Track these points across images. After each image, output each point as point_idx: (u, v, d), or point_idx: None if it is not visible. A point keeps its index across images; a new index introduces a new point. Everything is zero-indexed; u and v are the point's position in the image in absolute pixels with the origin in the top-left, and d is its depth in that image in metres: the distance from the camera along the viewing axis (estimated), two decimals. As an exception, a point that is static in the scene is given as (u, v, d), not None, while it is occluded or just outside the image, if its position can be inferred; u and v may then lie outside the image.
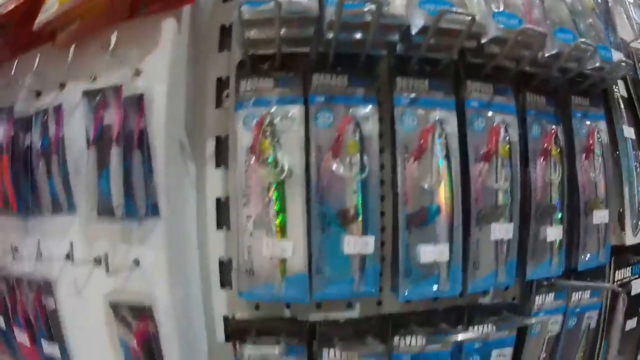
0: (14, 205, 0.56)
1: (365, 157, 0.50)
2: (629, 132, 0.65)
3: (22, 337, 0.61)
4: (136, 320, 0.50)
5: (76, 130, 0.53)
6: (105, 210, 0.49)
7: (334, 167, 0.49)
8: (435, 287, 0.52)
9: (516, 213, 0.54)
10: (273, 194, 0.50)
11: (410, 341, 0.53)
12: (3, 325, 0.65)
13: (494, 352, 0.58)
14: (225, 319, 0.56)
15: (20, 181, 0.55)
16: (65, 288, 0.57)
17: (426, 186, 0.51)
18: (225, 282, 0.56)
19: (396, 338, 0.53)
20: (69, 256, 0.55)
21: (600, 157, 0.61)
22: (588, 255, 0.61)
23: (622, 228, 0.66)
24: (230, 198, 0.53)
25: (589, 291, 0.64)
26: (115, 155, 0.46)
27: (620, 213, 0.66)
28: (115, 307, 0.51)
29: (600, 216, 0.61)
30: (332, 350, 0.51)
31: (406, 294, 0.51)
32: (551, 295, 0.61)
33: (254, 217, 0.50)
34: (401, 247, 0.51)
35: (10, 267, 0.61)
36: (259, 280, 0.51)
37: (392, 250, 0.53)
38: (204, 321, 0.56)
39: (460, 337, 0.51)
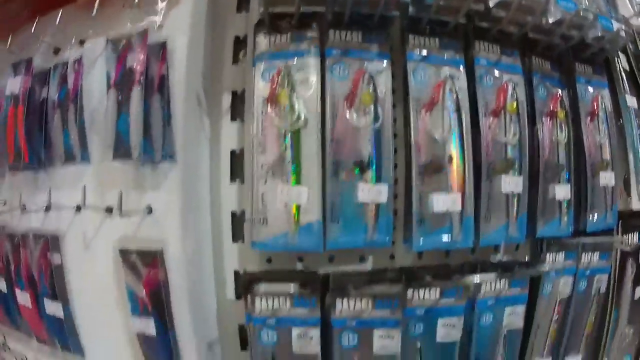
0: (26, 156, 0.56)
1: (379, 108, 0.52)
2: (631, 101, 0.67)
3: (24, 298, 0.60)
4: (145, 267, 0.49)
5: (96, 80, 0.54)
6: (121, 151, 0.49)
7: (348, 115, 0.52)
8: (448, 238, 0.53)
9: (525, 168, 0.56)
10: (289, 142, 0.51)
11: (424, 294, 0.54)
12: (4, 288, 0.64)
13: (507, 310, 0.58)
14: (236, 274, 0.56)
15: (33, 132, 0.55)
16: (73, 241, 0.56)
17: (438, 137, 0.53)
18: (237, 236, 0.56)
19: (409, 291, 0.53)
20: (79, 208, 0.55)
21: (604, 123, 0.63)
22: (596, 216, 0.62)
23: (629, 194, 0.67)
24: (245, 150, 0.54)
25: (598, 253, 0.64)
26: (136, 95, 0.46)
27: (626, 179, 0.67)
28: (124, 254, 0.51)
29: (607, 178, 0.62)
30: (345, 300, 0.51)
31: (420, 243, 0.51)
32: (561, 255, 0.61)
33: (269, 165, 0.51)
34: (414, 197, 0.52)
35: (17, 224, 0.61)
36: (272, 230, 0.51)
37: (405, 201, 0.54)
38: (214, 276, 0.56)
39: (477, 278, 0.50)
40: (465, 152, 0.52)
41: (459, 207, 0.52)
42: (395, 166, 0.54)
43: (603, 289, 0.66)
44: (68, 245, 0.57)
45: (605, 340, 0.70)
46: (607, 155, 0.62)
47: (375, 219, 0.51)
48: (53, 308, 0.57)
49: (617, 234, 0.65)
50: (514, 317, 0.59)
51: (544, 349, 0.64)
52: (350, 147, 0.51)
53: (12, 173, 0.60)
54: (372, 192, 0.51)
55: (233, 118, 0.55)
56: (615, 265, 0.66)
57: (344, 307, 0.51)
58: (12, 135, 0.57)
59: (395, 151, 0.54)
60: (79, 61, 0.53)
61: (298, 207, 0.50)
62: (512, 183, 0.54)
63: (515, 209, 0.55)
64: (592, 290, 0.65)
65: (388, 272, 0.53)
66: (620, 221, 0.66)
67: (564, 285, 0.63)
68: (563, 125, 0.60)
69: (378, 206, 0.51)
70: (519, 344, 0.60)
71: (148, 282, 0.50)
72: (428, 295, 0.53)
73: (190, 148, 0.52)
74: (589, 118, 0.62)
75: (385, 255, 0.55)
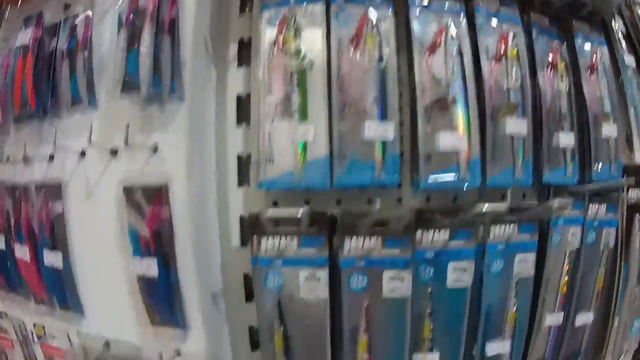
0: (32, 104, 0.55)
1: (383, 49, 0.53)
2: (629, 60, 0.68)
3: (22, 252, 0.58)
4: (149, 205, 0.48)
5: (106, 28, 0.54)
6: (129, 87, 0.48)
7: (352, 55, 0.52)
8: (455, 177, 0.52)
9: (528, 113, 0.56)
10: (295, 82, 0.52)
11: (433, 236, 0.53)
12: (3, 246, 0.61)
13: (517, 257, 0.57)
14: (242, 219, 0.56)
15: (41, 81, 0.55)
16: (76, 188, 0.55)
17: (441, 79, 0.54)
18: (243, 180, 0.56)
19: (419, 232, 0.52)
20: (83, 153, 0.54)
21: (604, 77, 0.64)
22: (600, 166, 0.62)
23: (631, 150, 0.67)
24: (251, 92, 0.54)
25: (605, 205, 0.64)
26: (147, 32, 0.47)
27: (628, 136, 0.68)
28: (128, 192, 0.50)
29: (609, 130, 0.62)
30: (354, 238, 0.50)
31: (427, 180, 0.51)
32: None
33: (275, 105, 0.52)
34: (420, 134, 0.52)
35: (20, 178, 0.60)
36: (278, 168, 0.51)
37: (411, 142, 0.53)
38: (219, 222, 0.54)
39: (486, 207, 0.48)
40: (469, 95, 0.53)
41: (464, 147, 0.52)
42: (400, 110, 0.55)
43: (612, 244, 0.66)
44: (70, 192, 0.56)
45: (616, 299, 0.69)
46: (608, 108, 0.63)
47: (382, 157, 0.51)
48: (52, 259, 0.56)
49: (622, 189, 0.65)
50: (524, 264, 0.58)
51: (555, 304, 0.63)
52: (356, 87, 0.52)
53: (17, 127, 0.60)
54: (378, 130, 0.51)
55: (240, 64, 0.56)
56: (623, 220, 0.66)
57: (352, 245, 0.50)
58: (19, 85, 0.56)
59: (400, 95, 0.55)
60: (89, 15, 0.53)
61: (304, 145, 0.51)
62: (516, 126, 0.55)
63: (520, 152, 0.55)
64: (600, 244, 0.64)
65: (397, 211, 0.52)
66: (624, 175, 0.66)
67: (573, 237, 0.62)
68: (563, 76, 0.61)
69: (384, 144, 0.52)
70: (531, 294, 0.59)
71: (152, 220, 0.49)
72: (437, 237, 0.52)
73: (197, 89, 0.52)
74: (588, 71, 0.63)
75: (393, 199, 0.54)
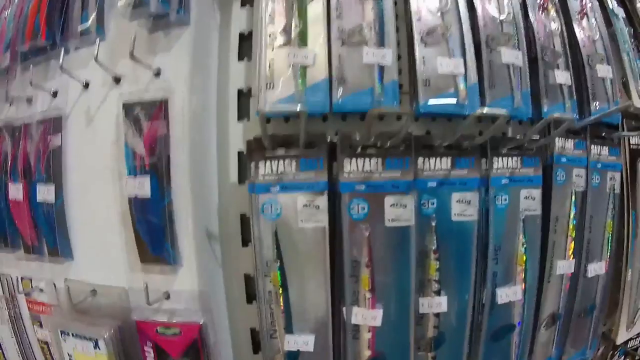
0: (43, 35, 0.53)
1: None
2: (619, 10, 0.68)
3: (16, 190, 0.54)
4: (148, 121, 0.45)
5: None
6: (139, 5, 0.46)
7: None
8: (454, 101, 0.49)
9: (522, 46, 0.53)
10: (296, 11, 0.50)
11: (435, 164, 0.49)
12: None
13: (522, 192, 0.52)
14: (240, 154, 0.52)
15: (54, 15, 0.52)
16: (77, 119, 0.52)
17: (436, 9, 0.51)
18: (242, 114, 0.53)
19: (420, 160, 0.49)
20: (87, 84, 0.52)
21: (595, 22, 0.63)
22: (598, 105, 0.59)
23: (629, 96, 0.65)
24: (253, 25, 0.52)
25: (607, 148, 0.60)
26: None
27: (625, 82, 0.65)
28: (128, 107, 0.47)
29: (604, 70, 0.60)
30: (354, 160, 0.46)
31: (427, 103, 0.48)
32: (570, 143, 0.57)
33: (277, 33, 0.50)
34: (418, 60, 0.49)
35: (22, 116, 0.56)
36: (279, 93, 0.47)
37: (409, 69, 0.50)
38: (217, 158, 0.51)
39: (486, 110, 0.43)
40: (463, 24, 0.51)
41: (462, 70, 0.49)
42: (398, 44, 0.53)
43: (617, 189, 0.62)
44: (71, 124, 0.53)
45: (627, 250, 0.63)
46: (601, 50, 0.62)
47: (380, 80, 0.48)
48: (44, 193, 0.51)
49: (622, 130, 0.62)
50: (530, 201, 0.53)
51: (566, 249, 0.58)
52: (355, 14, 0.49)
53: (24, 66, 0.56)
54: (376, 55, 0.49)
55: (243, 4, 0.54)
56: (627, 164, 0.63)
57: (352, 167, 0.46)
58: (32, 20, 0.54)
59: (397, 30, 0.53)
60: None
61: (304, 69, 0.48)
62: (512, 55, 0.52)
63: (518, 81, 0.52)
64: (606, 187, 0.60)
65: (399, 137, 0.46)
66: (623, 120, 0.64)
67: (578, 178, 0.58)
68: (555, 19, 0.60)
69: (383, 69, 0.49)
70: (539, 235, 0.54)
71: (149, 135, 0.45)
72: (439, 165, 0.49)
73: (202, 17, 0.50)
74: (579, 16, 0.62)
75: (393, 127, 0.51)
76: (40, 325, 0.59)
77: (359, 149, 0.46)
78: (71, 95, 0.53)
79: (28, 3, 0.55)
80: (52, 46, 0.54)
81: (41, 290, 0.57)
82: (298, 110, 0.40)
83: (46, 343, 0.60)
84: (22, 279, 0.59)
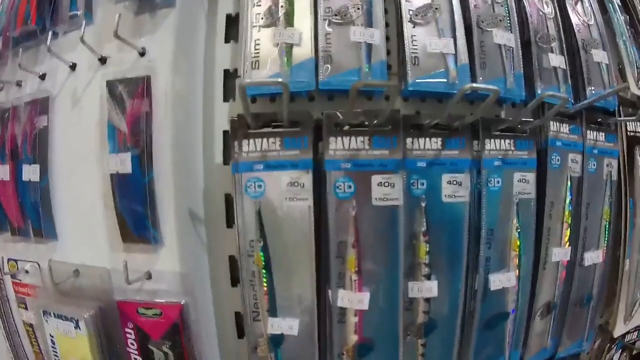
0: (34, 19, 0.52)
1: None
2: None
3: (3, 172, 0.53)
4: (130, 99, 0.44)
5: None
6: None
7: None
8: (444, 80, 0.47)
9: (515, 26, 0.51)
10: (282, -9, 0.50)
11: (425, 143, 0.47)
12: None
13: (516, 175, 0.50)
14: (225, 133, 0.51)
15: (44, 0, 0.53)
16: (64, 100, 0.51)
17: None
18: (228, 95, 0.51)
19: (409, 140, 0.47)
20: (73, 66, 0.51)
21: (590, 7, 0.61)
22: (594, 90, 0.57)
23: (625, 81, 0.62)
24: (240, 6, 0.51)
25: (604, 134, 0.58)
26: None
27: (621, 69, 0.64)
28: (111, 85, 0.46)
29: (600, 55, 0.58)
30: (340, 137, 0.44)
31: (416, 81, 0.46)
32: (565, 127, 0.55)
33: (263, 13, 0.49)
34: (407, 39, 0.48)
35: (12, 99, 0.56)
36: (264, 72, 0.46)
37: (398, 52, 0.49)
38: (203, 138, 0.50)
39: (477, 85, 0.42)
40: (454, 4, 0.49)
41: (452, 50, 0.48)
42: (387, 25, 0.52)
43: (615, 176, 0.59)
44: (57, 105, 0.52)
45: (624, 239, 0.61)
46: (596, 35, 0.60)
47: (368, 59, 0.47)
48: (29, 174, 0.50)
49: (619, 116, 0.60)
50: (524, 184, 0.51)
51: (561, 236, 0.56)
52: (342, -4, 0.50)
53: (15, 51, 0.56)
54: (364, 34, 0.47)
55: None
56: (624, 150, 0.60)
57: (338, 145, 0.44)
58: (24, 7, 0.54)
59: (386, 11, 0.51)
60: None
61: (290, 48, 0.47)
62: (503, 36, 0.51)
63: (510, 63, 0.50)
64: (603, 173, 0.58)
65: (387, 112, 0.44)
66: (620, 106, 0.61)
67: (574, 163, 0.56)
68: (548, 3, 0.58)
69: (370, 49, 0.48)
70: (533, 218, 0.51)
71: (131, 113, 0.44)
72: (429, 145, 0.47)
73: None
74: (573, 1, 0.60)
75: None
76: (26, 308, 0.58)
77: (346, 127, 0.45)
78: (59, 78, 0.53)
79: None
80: (42, 30, 0.54)
81: (26, 271, 0.56)
82: (279, 81, 0.38)
83: (31, 325, 0.58)
84: (8, 260, 0.59)
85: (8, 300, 0.61)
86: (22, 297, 0.58)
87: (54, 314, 0.52)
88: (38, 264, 0.55)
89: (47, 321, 0.53)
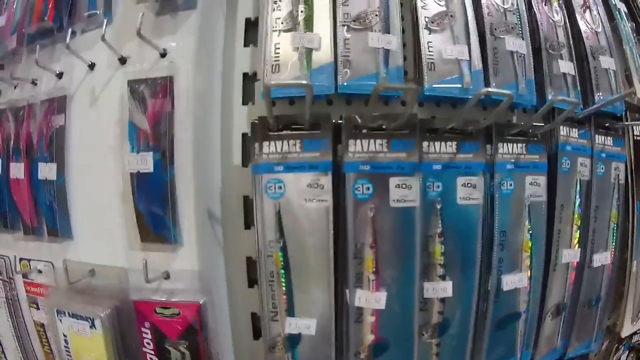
0: (51, 17, 0.53)
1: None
2: (620, 4, 0.68)
3: (17, 169, 0.53)
4: (152, 98, 0.44)
5: None
6: None
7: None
8: (459, 85, 0.48)
9: (526, 34, 0.53)
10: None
11: (440, 147, 0.48)
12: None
13: (528, 178, 0.52)
14: (244, 136, 0.51)
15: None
16: (82, 99, 0.52)
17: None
18: (247, 98, 0.52)
19: (425, 144, 0.48)
20: (92, 65, 0.51)
21: (597, 15, 0.63)
22: (602, 95, 0.58)
23: (632, 86, 0.65)
24: (260, 11, 0.51)
25: (612, 138, 0.60)
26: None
27: (628, 75, 0.65)
28: (133, 85, 0.46)
29: (608, 62, 0.60)
30: (359, 140, 0.45)
31: (432, 86, 0.47)
32: (575, 131, 0.56)
33: (282, 18, 0.50)
34: (423, 46, 0.49)
35: (27, 97, 0.56)
36: (283, 76, 0.47)
37: (414, 58, 0.51)
38: (221, 140, 0.50)
39: (490, 90, 0.41)
40: (467, 11, 0.51)
41: (466, 57, 0.49)
42: (403, 32, 0.53)
43: (622, 179, 0.61)
44: (75, 104, 0.52)
45: (632, 241, 0.62)
46: (604, 42, 0.62)
47: (385, 63, 0.48)
48: (45, 172, 0.50)
49: (626, 120, 0.62)
50: (536, 187, 0.53)
51: (571, 238, 0.57)
52: (360, 1, 0.49)
53: (30, 48, 0.56)
54: (382, 40, 0.49)
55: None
56: (631, 155, 0.62)
57: (357, 148, 0.45)
58: (40, 3, 0.54)
59: (402, 18, 0.53)
60: None
61: (310, 52, 0.48)
62: (515, 44, 0.52)
63: (522, 69, 0.52)
64: (611, 177, 0.59)
65: (406, 115, 0.45)
66: (627, 111, 0.63)
67: (583, 167, 0.57)
68: (558, 11, 0.60)
69: (388, 55, 0.49)
70: (544, 220, 0.53)
71: (153, 112, 0.45)
72: (445, 148, 0.48)
73: (209, 1, 0.50)
74: (582, 9, 0.62)
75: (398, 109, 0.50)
76: (37, 308, 0.58)
77: (364, 130, 0.46)
78: (76, 76, 0.53)
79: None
80: (59, 29, 0.54)
81: (39, 271, 0.56)
82: (305, 83, 0.39)
83: (42, 325, 0.58)
84: (20, 260, 0.59)
85: (18, 299, 0.60)
86: (33, 296, 0.58)
87: (68, 313, 0.51)
88: (52, 263, 0.55)
89: (60, 320, 0.53)
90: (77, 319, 0.51)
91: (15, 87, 0.59)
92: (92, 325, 0.50)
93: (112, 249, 0.51)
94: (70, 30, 0.52)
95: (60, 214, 0.53)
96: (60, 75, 0.54)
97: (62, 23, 0.53)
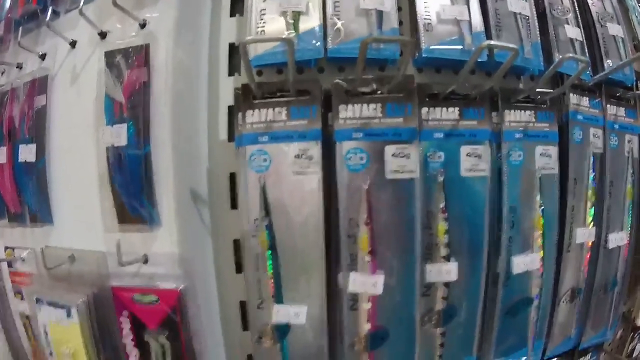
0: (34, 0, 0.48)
1: None
2: None
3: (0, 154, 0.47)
4: (129, 69, 0.37)
5: None
6: None
7: None
8: (460, 47, 0.40)
9: None
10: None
11: (442, 114, 0.39)
12: None
13: (538, 149, 0.42)
14: (230, 109, 0.43)
15: None
16: (63, 78, 0.45)
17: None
18: (233, 69, 0.43)
19: (424, 110, 0.39)
20: (73, 43, 0.44)
21: None
22: (611, 62, 0.50)
23: (641, 59, 0.56)
24: None
25: (624, 109, 0.50)
26: None
27: (636, 45, 0.56)
28: (109, 56, 0.39)
29: (615, 29, 0.51)
30: (351, 105, 0.37)
31: (430, 48, 0.38)
32: (585, 100, 0.47)
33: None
34: (419, 6, 0.40)
35: (12, 81, 0.49)
36: (269, 43, 0.40)
37: (410, 14, 0.42)
38: (207, 114, 0.42)
39: (492, 43, 0.35)
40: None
41: (466, 17, 0.40)
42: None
43: (636, 153, 0.52)
44: (56, 83, 0.45)
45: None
46: (610, 9, 0.53)
47: (379, 25, 0.40)
48: (25, 154, 0.43)
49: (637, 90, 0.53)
50: (546, 159, 0.43)
51: (585, 215, 0.48)
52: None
53: (16, 35, 0.49)
54: (374, 0, 0.39)
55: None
56: None
57: (348, 113, 0.36)
58: None
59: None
60: None
61: (298, 16, 0.39)
62: (519, 5, 0.43)
63: (527, 31, 0.43)
64: (624, 149, 0.49)
65: (400, 73, 0.36)
66: (637, 80, 0.54)
67: (595, 138, 0.48)
68: (560, -23, 0.53)
69: (381, 16, 0.41)
70: (557, 195, 0.43)
71: (128, 83, 0.37)
72: (446, 115, 0.39)
73: None
74: (584, -24, 0.55)
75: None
76: (22, 298, 0.51)
77: (357, 95, 0.37)
78: (59, 56, 0.46)
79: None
80: (43, 11, 0.47)
81: (23, 260, 0.49)
82: (283, 37, 0.32)
83: (27, 317, 0.51)
84: (5, 248, 0.52)
85: (5, 290, 0.53)
86: (18, 286, 0.51)
87: (46, 301, 0.44)
88: (34, 250, 0.47)
89: (39, 309, 0.45)
90: (55, 308, 0.43)
91: (2, 74, 0.53)
92: (69, 314, 0.43)
93: (91, 232, 0.43)
94: (51, 8, 0.46)
95: (40, 198, 0.45)
96: (43, 57, 0.47)
97: (46, 4, 0.47)
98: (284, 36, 0.32)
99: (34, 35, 0.51)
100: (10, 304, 0.52)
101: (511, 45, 0.34)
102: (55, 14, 0.47)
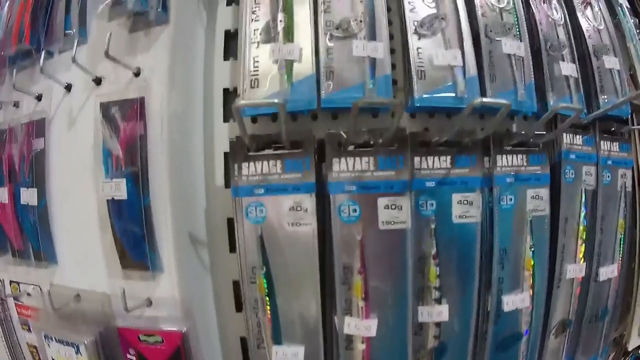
0: (27, 38, 0.48)
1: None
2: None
3: (1, 194, 0.49)
4: (124, 121, 0.39)
5: None
6: (118, 3, 0.42)
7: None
8: (452, 94, 0.41)
9: (524, 35, 0.45)
10: (281, 7, 0.43)
11: (434, 162, 0.42)
12: None
13: (529, 192, 0.44)
14: (226, 155, 0.45)
15: (38, 18, 0.48)
16: (59, 121, 0.47)
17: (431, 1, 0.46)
18: (228, 116, 0.46)
19: (417, 159, 0.41)
20: (68, 86, 0.46)
21: (599, 12, 0.55)
22: (606, 98, 0.51)
23: (637, 87, 0.57)
24: (239, 22, 0.45)
25: (618, 144, 0.52)
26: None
27: (632, 74, 0.57)
28: (105, 108, 0.41)
29: (611, 62, 0.52)
30: (344, 158, 0.39)
31: (422, 96, 0.40)
32: (579, 138, 0.49)
33: (261, 29, 0.43)
34: (412, 52, 0.42)
35: (9, 120, 0.51)
36: (263, 91, 0.41)
37: (404, 65, 0.44)
38: (204, 161, 0.45)
39: (486, 100, 0.35)
40: (460, 12, 0.43)
41: (460, 62, 0.41)
42: (391, 37, 0.47)
43: (629, 186, 0.53)
44: (54, 126, 0.47)
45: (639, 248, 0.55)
46: (607, 40, 0.55)
47: (372, 74, 0.41)
48: (27, 197, 0.46)
49: (632, 123, 0.54)
50: (538, 201, 0.46)
51: (576, 252, 0.50)
52: (342, 7, 0.43)
53: (11, 71, 0.51)
54: (367, 48, 0.42)
55: (229, 3, 0.48)
56: (638, 160, 0.55)
57: (342, 167, 0.39)
58: (18, 25, 0.50)
59: (389, 9, 0.45)
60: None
61: (291, 65, 0.41)
62: (513, 46, 0.45)
63: (521, 73, 0.44)
64: (617, 185, 0.51)
65: (391, 131, 0.38)
66: (632, 113, 0.56)
67: (588, 176, 0.50)
68: (557, 8, 0.52)
69: (375, 63, 0.43)
70: (548, 237, 0.46)
71: (126, 136, 0.39)
72: (438, 164, 0.41)
73: (184, 16, 0.44)
74: (582, 6, 0.54)
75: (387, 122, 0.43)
76: (29, 330, 0.54)
77: (350, 147, 0.39)
78: (54, 99, 0.48)
79: (16, 7, 0.51)
80: (37, 49, 0.49)
81: (28, 294, 0.52)
82: (275, 102, 0.33)
83: (35, 347, 0.54)
84: (10, 282, 0.55)
85: (12, 321, 0.56)
86: (25, 319, 0.54)
87: (55, 338, 0.47)
88: (40, 287, 0.50)
89: (48, 345, 0.48)
90: (64, 345, 0.47)
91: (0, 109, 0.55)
92: (78, 351, 0.46)
93: (95, 274, 0.45)
94: (44, 51, 0.47)
95: (43, 238, 0.48)
96: (39, 98, 0.48)
97: (39, 43, 0.48)
98: (276, 101, 0.33)
99: (29, 73, 0.52)
100: (18, 334, 0.56)
101: (503, 102, 0.35)
102: (49, 54, 0.49)
